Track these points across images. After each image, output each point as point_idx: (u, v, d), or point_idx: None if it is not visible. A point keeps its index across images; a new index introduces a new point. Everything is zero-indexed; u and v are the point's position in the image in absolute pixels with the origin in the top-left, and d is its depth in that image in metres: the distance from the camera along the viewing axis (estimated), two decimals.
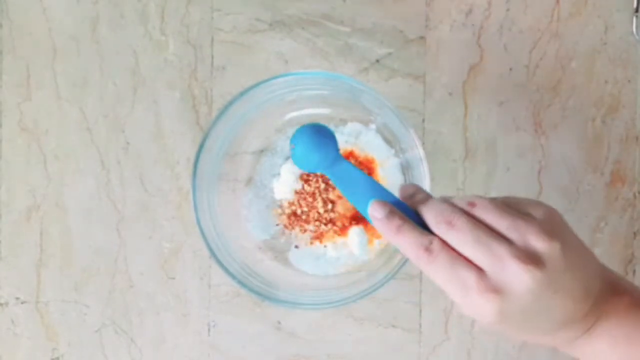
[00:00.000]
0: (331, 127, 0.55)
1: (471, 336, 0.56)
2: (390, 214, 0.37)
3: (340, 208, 0.54)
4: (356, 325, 0.56)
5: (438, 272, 0.35)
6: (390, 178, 0.54)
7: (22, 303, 0.57)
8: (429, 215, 0.37)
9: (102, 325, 0.57)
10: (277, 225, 0.55)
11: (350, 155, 0.54)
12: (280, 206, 0.55)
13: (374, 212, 0.38)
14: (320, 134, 0.44)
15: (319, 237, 0.54)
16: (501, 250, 0.33)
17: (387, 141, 0.55)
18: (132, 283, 0.57)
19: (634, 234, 0.56)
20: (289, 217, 0.55)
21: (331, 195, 0.54)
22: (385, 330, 0.56)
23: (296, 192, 0.54)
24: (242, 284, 0.50)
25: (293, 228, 0.55)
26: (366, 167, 0.54)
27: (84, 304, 0.57)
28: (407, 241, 0.36)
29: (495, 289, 0.33)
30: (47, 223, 0.57)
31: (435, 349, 0.56)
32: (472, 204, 0.36)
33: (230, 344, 0.57)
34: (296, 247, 0.55)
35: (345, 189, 0.41)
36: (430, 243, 0.35)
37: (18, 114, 0.57)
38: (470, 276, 0.34)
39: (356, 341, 0.56)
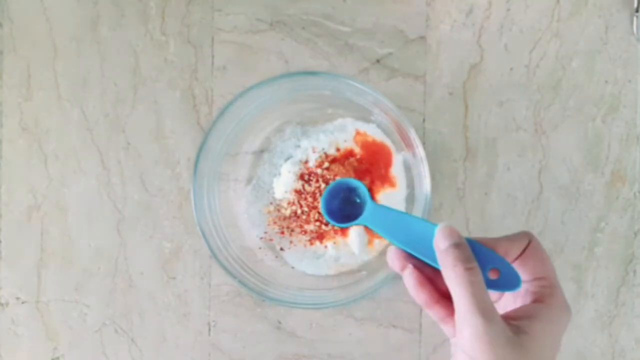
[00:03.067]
0: (328, 125, 0.55)
1: None
2: (462, 245, 0.36)
3: None
4: (357, 325, 0.56)
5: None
6: (395, 173, 0.54)
7: (22, 303, 0.57)
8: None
9: (102, 325, 0.57)
10: (268, 225, 0.55)
11: (363, 139, 0.54)
12: (278, 206, 0.55)
13: (442, 238, 0.36)
14: (348, 191, 0.44)
15: (319, 237, 0.54)
16: None
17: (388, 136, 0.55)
18: (132, 283, 0.57)
19: (635, 233, 0.56)
20: (280, 219, 0.55)
21: None
22: (385, 330, 0.56)
23: (296, 192, 0.54)
24: (242, 283, 0.50)
25: (282, 230, 0.55)
26: (381, 155, 0.54)
27: (84, 304, 0.57)
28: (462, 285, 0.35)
29: None
30: (47, 223, 0.57)
31: (435, 349, 0.56)
32: None
33: (230, 343, 0.57)
34: (281, 249, 0.55)
35: (387, 232, 0.40)
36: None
37: (19, 114, 0.57)
38: None
39: (357, 341, 0.56)
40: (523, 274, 0.37)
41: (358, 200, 0.43)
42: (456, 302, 0.34)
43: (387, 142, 0.55)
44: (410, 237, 0.38)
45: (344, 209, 0.43)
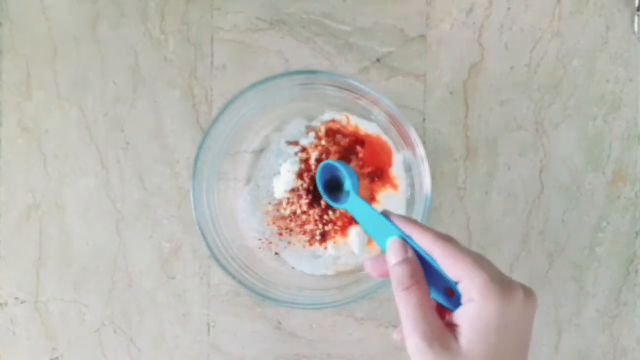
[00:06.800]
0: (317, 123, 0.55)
1: None
2: (404, 263, 0.37)
3: None
4: (357, 325, 0.56)
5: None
6: (395, 173, 0.54)
7: (21, 303, 0.57)
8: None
9: (101, 325, 0.57)
10: (267, 225, 0.55)
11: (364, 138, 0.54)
12: (277, 206, 0.55)
13: (391, 254, 0.38)
14: (336, 173, 0.47)
15: (319, 236, 0.54)
16: None
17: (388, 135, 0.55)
18: (131, 283, 0.57)
19: (636, 233, 0.56)
20: (279, 219, 0.55)
21: None
22: (386, 330, 0.56)
23: (297, 192, 0.54)
24: (242, 284, 0.49)
25: (281, 232, 0.55)
26: (381, 152, 0.54)
27: (83, 304, 0.57)
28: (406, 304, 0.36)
29: None
30: (46, 223, 0.57)
31: None
32: None
33: (230, 343, 0.56)
34: (276, 254, 0.55)
35: (364, 224, 0.42)
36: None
37: (18, 114, 0.57)
38: None
39: (357, 341, 0.56)
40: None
41: (346, 186, 0.46)
42: (403, 318, 0.36)
43: (388, 142, 0.54)
44: (381, 234, 0.40)
45: (336, 188, 0.47)
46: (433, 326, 0.35)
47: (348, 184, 0.45)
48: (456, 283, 0.36)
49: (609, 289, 0.56)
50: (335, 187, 0.47)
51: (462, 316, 0.35)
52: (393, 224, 0.39)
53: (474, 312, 0.34)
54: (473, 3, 0.56)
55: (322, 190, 0.47)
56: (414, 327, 0.35)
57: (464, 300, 0.35)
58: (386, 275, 0.39)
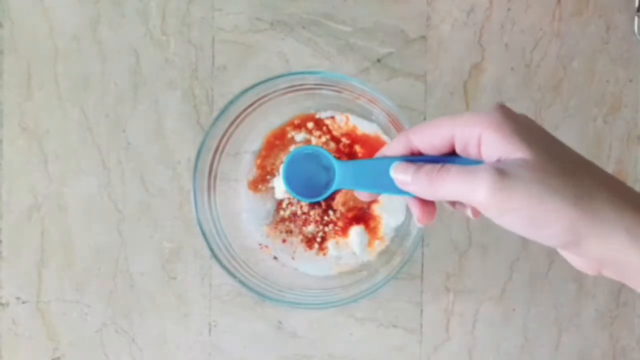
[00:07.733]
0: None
1: (472, 336, 0.56)
2: (419, 167, 0.34)
3: (341, 208, 0.54)
4: (357, 325, 0.56)
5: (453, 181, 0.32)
6: None
7: (23, 303, 0.57)
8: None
9: (103, 325, 0.57)
10: (267, 226, 0.55)
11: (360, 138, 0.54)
12: (277, 207, 0.55)
13: (401, 176, 0.34)
14: (311, 163, 0.39)
15: (320, 237, 0.54)
16: None
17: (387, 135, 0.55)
18: (133, 283, 0.57)
19: None
20: (279, 220, 0.55)
21: None
22: (386, 330, 0.56)
23: None
24: (243, 283, 0.50)
25: (281, 231, 0.55)
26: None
27: (85, 304, 0.57)
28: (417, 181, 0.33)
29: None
30: (48, 223, 0.57)
31: (436, 349, 0.56)
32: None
33: (231, 343, 0.57)
34: (275, 258, 0.55)
35: (364, 186, 0.37)
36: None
37: (19, 114, 0.57)
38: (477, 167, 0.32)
39: (357, 341, 0.56)
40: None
41: (326, 171, 0.39)
42: (457, 190, 0.32)
43: (388, 142, 0.54)
44: (383, 180, 0.36)
45: (316, 183, 0.39)
46: (483, 167, 0.31)
47: (328, 158, 0.38)
48: (475, 161, 0.33)
49: (608, 289, 0.56)
50: (313, 181, 0.39)
51: (492, 153, 0.32)
52: (384, 159, 0.36)
53: (497, 139, 0.32)
54: (473, 3, 0.56)
55: (292, 192, 0.39)
56: (472, 179, 0.31)
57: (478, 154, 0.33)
58: (431, 206, 0.36)
